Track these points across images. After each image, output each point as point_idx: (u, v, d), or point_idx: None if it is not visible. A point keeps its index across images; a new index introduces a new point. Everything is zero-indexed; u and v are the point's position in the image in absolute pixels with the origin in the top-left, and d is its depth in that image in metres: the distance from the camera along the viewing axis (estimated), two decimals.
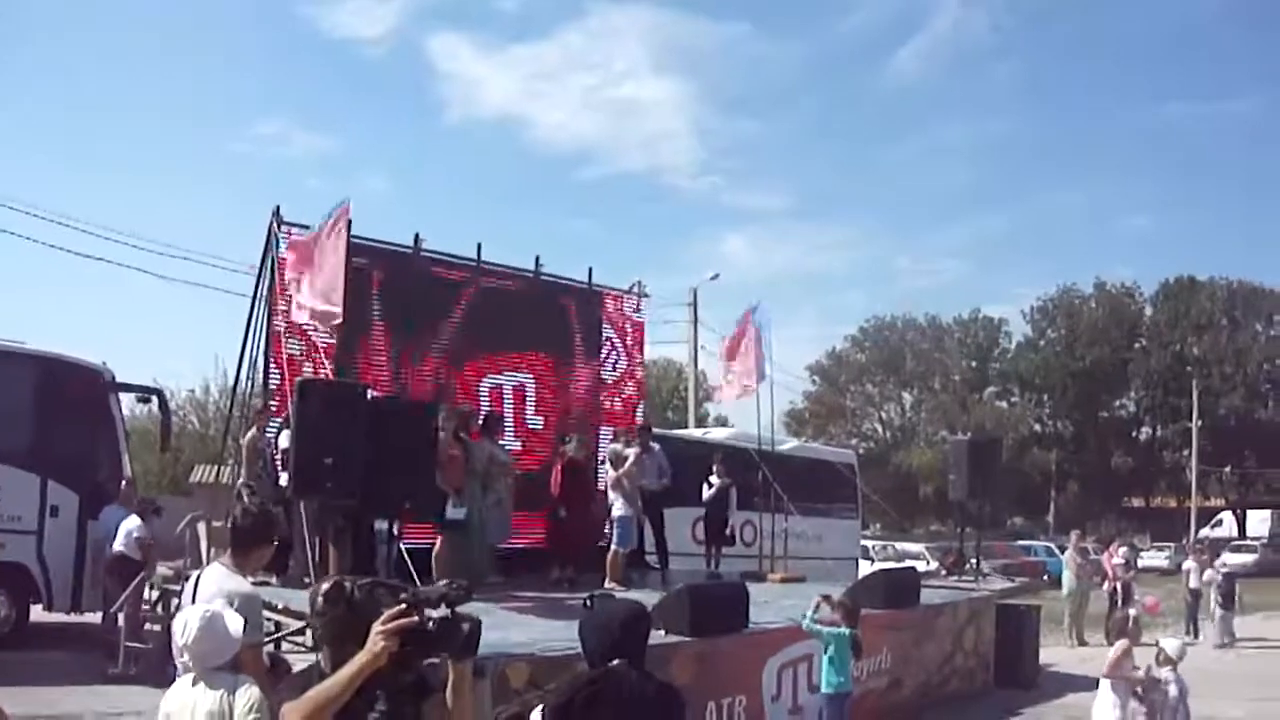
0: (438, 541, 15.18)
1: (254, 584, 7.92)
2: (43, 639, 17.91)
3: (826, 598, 12.92)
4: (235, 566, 7.00)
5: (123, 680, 14.63)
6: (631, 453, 17.73)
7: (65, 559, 17.96)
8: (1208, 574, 27.77)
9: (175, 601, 10.83)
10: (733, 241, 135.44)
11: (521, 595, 15.16)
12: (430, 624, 4.08)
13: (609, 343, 20.87)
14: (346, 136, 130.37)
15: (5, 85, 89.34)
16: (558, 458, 18.14)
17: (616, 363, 21.06)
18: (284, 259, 15.95)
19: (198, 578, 7.13)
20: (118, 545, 17.04)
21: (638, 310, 21.53)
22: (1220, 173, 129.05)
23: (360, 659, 3.99)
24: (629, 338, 21.30)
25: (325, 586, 4.51)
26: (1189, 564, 29.55)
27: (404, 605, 4.13)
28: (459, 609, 4.18)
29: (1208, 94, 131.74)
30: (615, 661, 5.03)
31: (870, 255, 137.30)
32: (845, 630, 12.38)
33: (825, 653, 12.43)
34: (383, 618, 4.03)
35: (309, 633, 8.99)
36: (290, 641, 10.93)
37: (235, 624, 5.66)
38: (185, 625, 5.57)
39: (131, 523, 17.27)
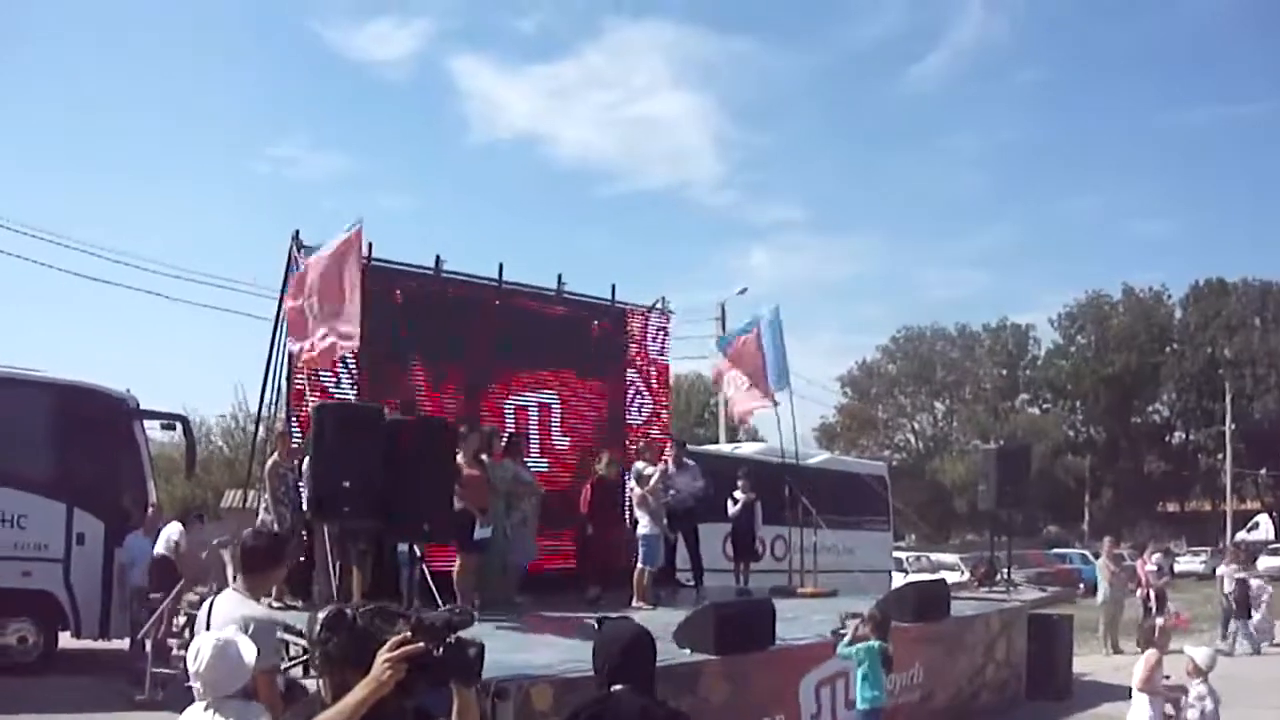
0: (457, 562, 15.13)
1: (276, 608, 7.89)
2: (70, 665, 17.94)
3: (856, 615, 12.81)
4: (248, 591, 6.96)
5: (149, 706, 14.62)
6: (656, 470, 17.66)
7: (92, 586, 18.01)
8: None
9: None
10: (756, 254, 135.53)
11: (549, 616, 15.11)
12: (436, 650, 4.01)
13: (634, 365, 20.82)
14: (367, 157, 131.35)
15: (21, 101, 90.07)
16: (591, 478, 18.05)
17: (646, 385, 20.99)
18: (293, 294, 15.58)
19: (211, 604, 7.10)
20: (159, 549, 17.21)
21: (663, 329, 21.44)
22: (1240, 175, 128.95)
23: (365, 686, 3.92)
24: (654, 360, 21.20)
25: (325, 614, 4.45)
26: (1224, 569, 29.30)
27: (409, 632, 4.07)
28: (464, 633, 4.11)
29: (1225, 97, 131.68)
30: (617, 686, 4.98)
31: (892, 264, 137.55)
32: (875, 643, 12.24)
33: (858, 669, 12.30)
34: (388, 644, 3.96)
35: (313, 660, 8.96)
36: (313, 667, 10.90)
37: (249, 652, 5.62)
38: (198, 653, 5.54)
39: (173, 529, 17.43)
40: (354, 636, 4.24)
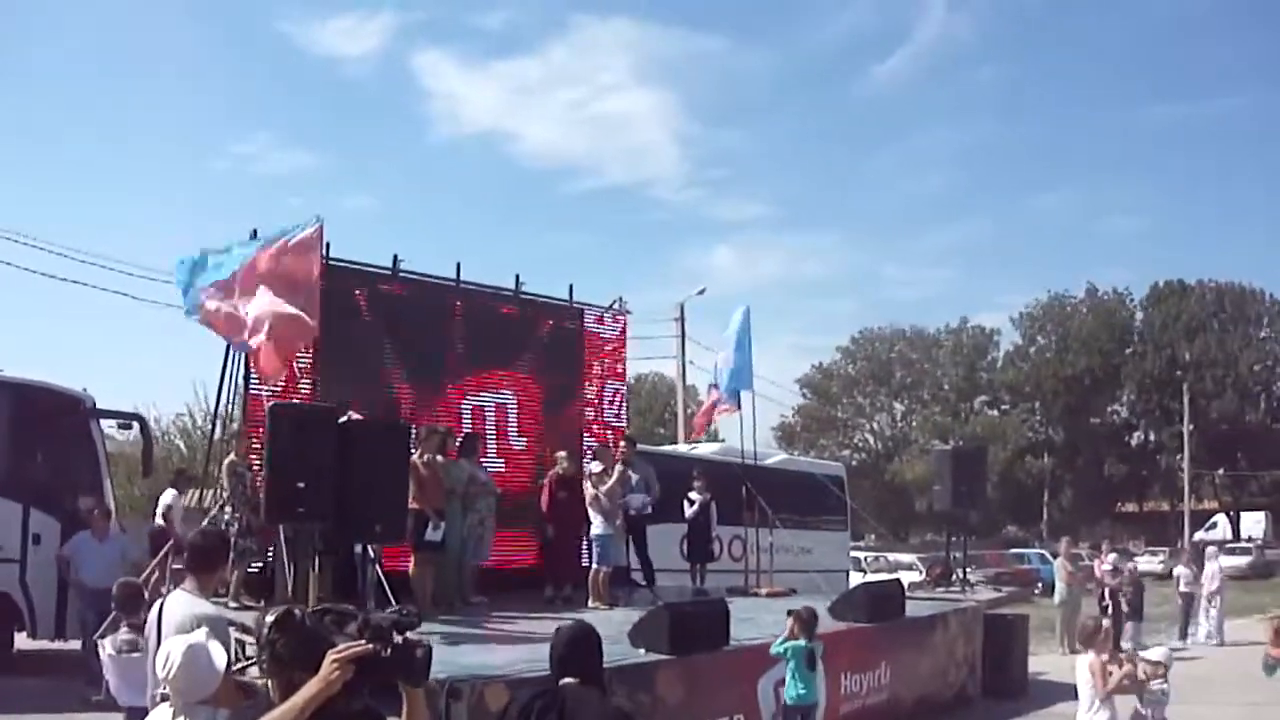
0: (411, 563, 15.17)
1: (234, 609, 7.90)
2: (28, 666, 17.86)
3: (793, 613, 12.96)
4: (198, 590, 6.97)
5: (106, 707, 14.56)
6: (615, 471, 17.70)
7: (48, 586, 17.85)
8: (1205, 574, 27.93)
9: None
10: (720, 253, 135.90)
11: (507, 615, 15.16)
12: (384, 651, 4.04)
13: (591, 365, 20.81)
14: (330, 155, 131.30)
15: None
16: (549, 476, 18.04)
17: (602, 386, 21.03)
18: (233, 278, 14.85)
19: (161, 605, 7.09)
20: (159, 520, 17.10)
21: (621, 330, 21.46)
22: (1205, 174, 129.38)
23: (312, 687, 3.94)
24: (611, 360, 21.24)
25: (273, 616, 4.46)
26: (1180, 569, 29.55)
27: (358, 633, 4.10)
28: (411, 634, 4.14)
29: (1191, 94, 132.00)
30: (566, 680, 5.06)
31: (856, 263, 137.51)
32: (801, 642, 12.47)
33: (788, 666, 12.56)
34: (338, 646, 3.99)
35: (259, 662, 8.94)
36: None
37: (219, 657, 5.58)
38: (167, 659, 5.48)
39: (167, 495, 17.43)
40: (302, 637, 4.27)
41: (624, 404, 21.92)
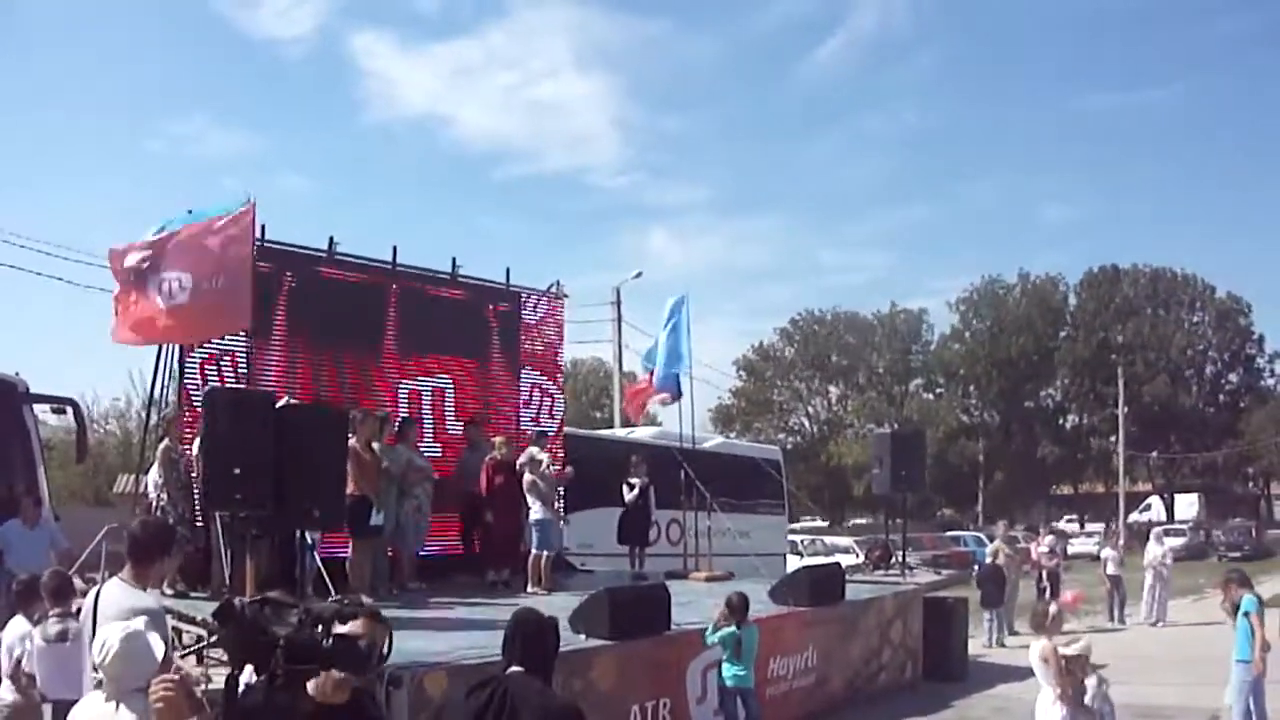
0: (350, 550, 15.07)
1: (168, 596, 7.77)
2: None
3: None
4: (135, 580, 6.85)
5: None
6: (545, 455, 17.63)
7: None
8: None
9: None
10: (657, 237, 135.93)
11: (445, 601, 15.09)
12: (325, 641, 3.98)
13: (528, 349, 20.62)
14: (265, 136, 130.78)
15: None
16: (486, 461, 17.93)
17: (540, 370, 20.86)
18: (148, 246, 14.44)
19: (96, 594, 6.98)
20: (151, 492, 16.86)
21: (557, 311, 21.29)
22: (1138, 162, 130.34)
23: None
24: (548, 344, 21.09)
25: (215, 608, 4.40)
26: (1107, 551, 29.70)
27: (300, 623, 4.04)
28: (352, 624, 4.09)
29: (1126, 84, 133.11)
30: (514, 669, 5.00)
31: (793, 249, 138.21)
32: (732, 630, 12.70)
33: (724, 652, 12.89)
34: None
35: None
36: (212, 658, 10.72)
37: (158, 646, 5.52)
38: (104, 646, 5.42)
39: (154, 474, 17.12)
40: (243, 628, 4.20)
41: (561, 388, 21.84)
